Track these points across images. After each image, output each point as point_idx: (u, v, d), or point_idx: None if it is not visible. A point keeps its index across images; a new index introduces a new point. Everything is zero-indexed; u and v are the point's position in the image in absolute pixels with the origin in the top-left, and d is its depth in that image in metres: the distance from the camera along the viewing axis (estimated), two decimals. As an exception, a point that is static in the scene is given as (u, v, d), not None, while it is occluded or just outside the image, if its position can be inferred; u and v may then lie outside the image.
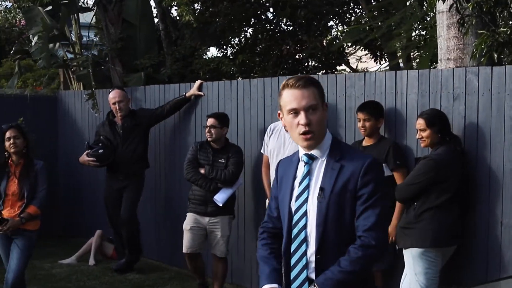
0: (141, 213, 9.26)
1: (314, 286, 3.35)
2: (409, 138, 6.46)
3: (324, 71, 15.20)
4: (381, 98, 6.70)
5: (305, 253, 3.44)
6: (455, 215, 5.82)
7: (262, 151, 7.55)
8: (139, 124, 9.01)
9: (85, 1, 12.26)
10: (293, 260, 3.46)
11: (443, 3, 6.70)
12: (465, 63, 6.70)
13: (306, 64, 15.19)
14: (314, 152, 3.50)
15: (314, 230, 3.41)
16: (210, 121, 7.67)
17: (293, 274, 3.46)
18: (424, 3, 8.71)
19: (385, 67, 16.26)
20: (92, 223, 10.64)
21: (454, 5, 6.43)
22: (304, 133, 3.45)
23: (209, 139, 7.67)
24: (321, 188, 3.40)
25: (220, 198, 7.55)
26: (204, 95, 8.81)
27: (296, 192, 3.51)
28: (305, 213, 3.44)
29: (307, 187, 3.47)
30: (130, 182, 8.99)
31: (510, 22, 6.57)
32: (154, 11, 12.71)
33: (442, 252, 5.83)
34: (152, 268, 9.39)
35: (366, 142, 6.60)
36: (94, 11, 12.35)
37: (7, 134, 6.91)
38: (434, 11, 7.56)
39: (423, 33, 10.40)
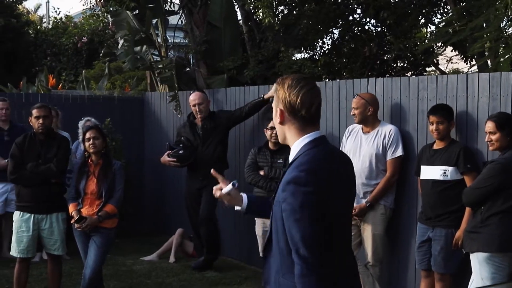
0: (220, 212, 9.43)
1: None
2: (480, 141, 6.38)
3: (412, 72, 15.05)
4: (452, 101, 6.65)
5: None
6: (524, 220, 5.73)
7: None
8: (219, 126, 9.18)
9: (171, 5, 12.49)
10: None
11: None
12: (544, 65, 6.58)
13: (394, 65, 15.06)
14: (290, 155, 3.48)
15: None
16: (271, 123, 7.81)
17: None
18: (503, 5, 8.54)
19: (475, 68, 15.95)
20: (174, 222, 10.88)
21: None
22: None
23: (273, 140, 7.82)
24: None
25: None
26: (281, 97, 8.89)
27: None
28: None
29: None
30: (210, 182, 9.04)
31: None
32: (238, 14, 12.87)
33: (510, 257, 5.74)
34: (230, 266, 9.55)
35: (437, 146, 6.56)
36: (180, 14, 12.60)
37: (87, 135, 7.17)
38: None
39: (510, 33, 10.17)
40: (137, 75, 13.67)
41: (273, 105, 3.50)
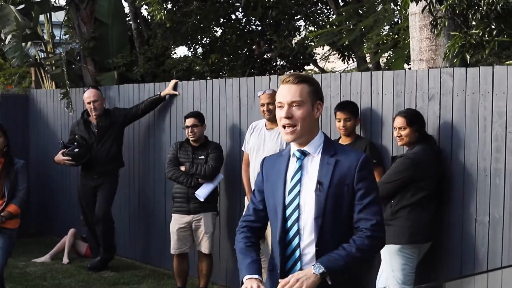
0: (115, 211, 9.31)
1: (316, 265, 3.40)
2: (384, 137, 6.60)
3: (292, 70, 15.37)
4: (356, 98, 6.84)
5: (298, 245, 3.55)
6: (431, 212, 5.97)
7: (243, 148, 7.65)
8: (114, 123, 9.07)
9: (57, 0, 12.23)
10: (287, 252, 3.57)
11: (416, 5, 6.84)
12: (437, 64, 6.86)
13: (274, 63, 15.33)
14: (306, 148, 3.60)
15: (310, 222, 3.52)
16: (191, 121, 7.78)
17: (288, 265, 3.57)
18: (398, 6, 8.87)
19: (352, 68, 16.50)
20: (65, 222, 10.66)
21: (427, 7, 6.59)
22: (284, 126, 3.57)
23: (192, 138, 7.80)
24: (319, 182, 3.51)
25: (201, 193, 7.66)
26: (179, 95, 8.89)
27: (288, 186, 3.61)
28: (297, 206, 3.55)
29: (299, 181, 3.58)
30: (105, 180, 9.05)
31: (482, 24, 6.72)
32: (127, 11, 12.75)
33: (418, 248, 5.98)
34: (126, 266, 9.44)
35: (343, 141, 6.68)
36: (66, 10, 12.35)
37: (-13, 133, 6.92)
38: (407, 13, 7.71)
39: (396, 36, 10.56)
40: (19, 72, 13.26)
41: (298, 99, 3.54)
